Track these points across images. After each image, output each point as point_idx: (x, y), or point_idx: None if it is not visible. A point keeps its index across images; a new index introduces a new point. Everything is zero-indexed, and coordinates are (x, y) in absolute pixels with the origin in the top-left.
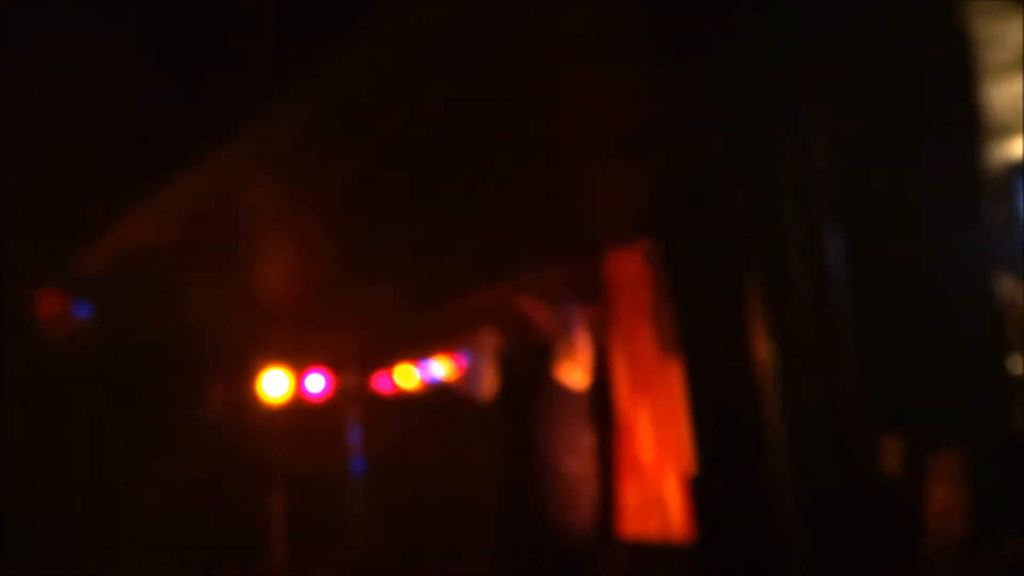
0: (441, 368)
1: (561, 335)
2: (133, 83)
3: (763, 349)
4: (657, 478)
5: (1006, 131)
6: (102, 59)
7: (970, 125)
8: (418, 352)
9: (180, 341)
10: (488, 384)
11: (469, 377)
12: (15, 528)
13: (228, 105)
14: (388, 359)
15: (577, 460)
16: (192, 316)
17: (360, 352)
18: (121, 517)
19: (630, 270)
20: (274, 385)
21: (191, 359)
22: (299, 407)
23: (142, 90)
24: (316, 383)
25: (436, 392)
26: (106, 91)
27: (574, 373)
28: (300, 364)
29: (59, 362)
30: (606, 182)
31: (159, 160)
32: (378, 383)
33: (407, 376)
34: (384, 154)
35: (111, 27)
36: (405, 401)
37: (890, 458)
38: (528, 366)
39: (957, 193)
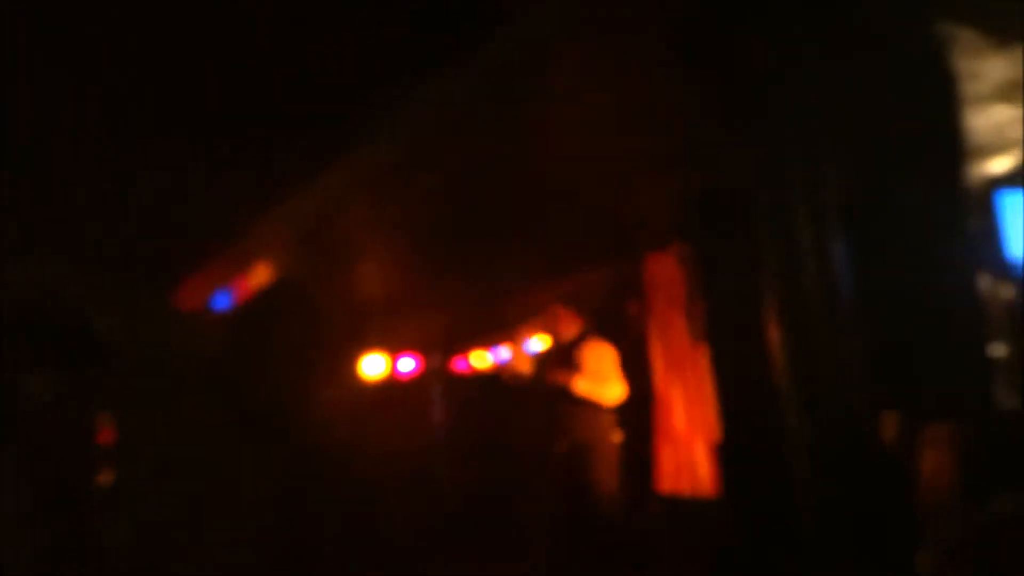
0: (507, 353)
1: (579, 341)
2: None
3: (777, 337)
4: (688, 444)
5: (985, 152)
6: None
7: (954, 146)
8: (489, 339)
9: (297, 331)
10: (536, 368)
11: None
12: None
13: (333, 134)
14: (465, 345)
15: (614, 432)
16: (306, 311)
17: (442, 339)
18: (240, 491)
19: (666, 270)
20: (373, 366)
21: (306, 346)
22: (392, 384)
23: (269, 119)
24: (407, 364)
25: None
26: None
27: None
28: (394, 349)
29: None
30: (646, 194)
31: (280, 179)
32: (457, 364)
33: (480, 359)
34: (461, 172)
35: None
36: (478, 380)
37: (888, 429)
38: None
39: (945, 204)
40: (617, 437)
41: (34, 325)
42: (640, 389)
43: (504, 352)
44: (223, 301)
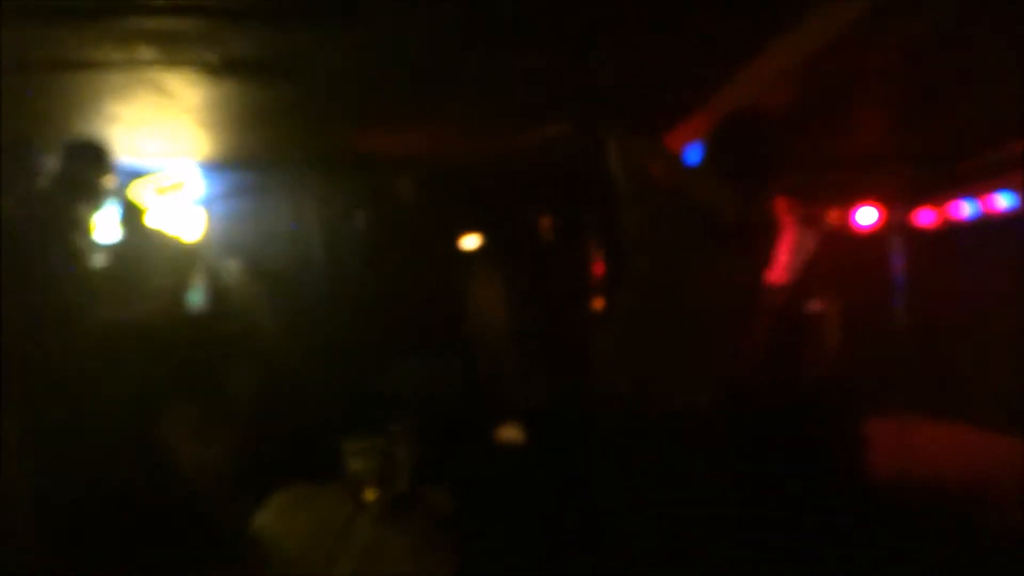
0: (970, 208)
1: None
2: None
3: None
4: None
5: None
6: None
7: None
8: (951, 193)
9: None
10: None
11: None
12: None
13: None
14: (928, 197)
15: None
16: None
17: (904, 191)
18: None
19: None
20: (862, 216)
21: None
22: (852, 236)
23: None
24: (868, 216)
25: (970, 230)
26: None
27: None
28: (854, 199)
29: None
30: None
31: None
32: (919, 219)
33: (941, 214)
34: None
35: None
36: (940, 236)
37: None
38: None
39: None
40: None
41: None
42: None
43: (965, 208)
44: (695, 152)
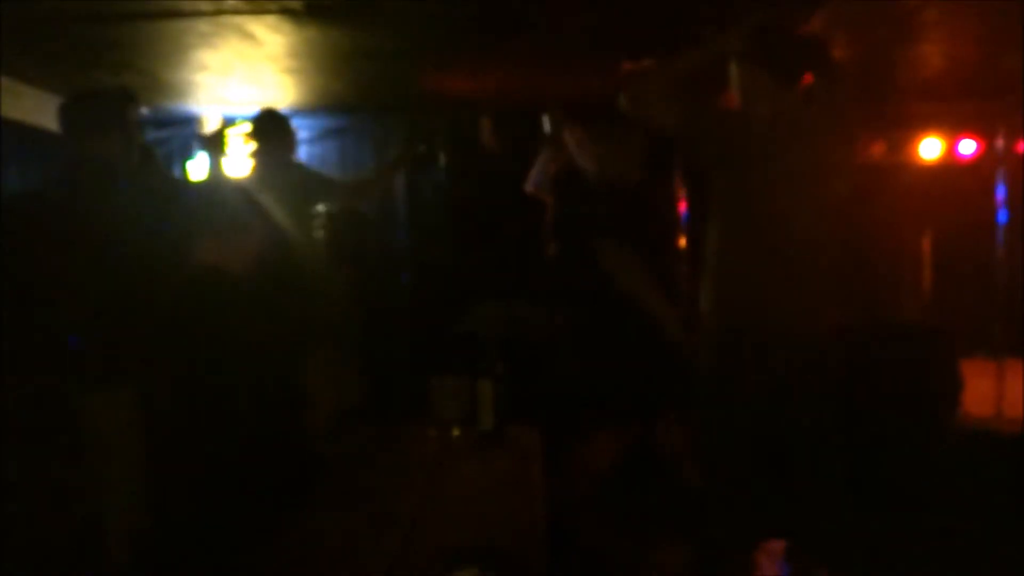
0: None
1: None
2: None
3: None
4: None
5: None
6: None
7: None
8: None
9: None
10: None
11: None
12: None
13: None
14: None
15: None
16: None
17: (1008, 120)
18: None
19: None
20: (929, 149)
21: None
22: (951, 168)
23: None
24: (967, 147)
25: None
26: None
27: None
28: (954, 131)
29: None
30: None
31: None
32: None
33: None
34: None
35: None
36: None
37: None
38: None
39: None
40: None
41: None
42: None
43: None
44: None
